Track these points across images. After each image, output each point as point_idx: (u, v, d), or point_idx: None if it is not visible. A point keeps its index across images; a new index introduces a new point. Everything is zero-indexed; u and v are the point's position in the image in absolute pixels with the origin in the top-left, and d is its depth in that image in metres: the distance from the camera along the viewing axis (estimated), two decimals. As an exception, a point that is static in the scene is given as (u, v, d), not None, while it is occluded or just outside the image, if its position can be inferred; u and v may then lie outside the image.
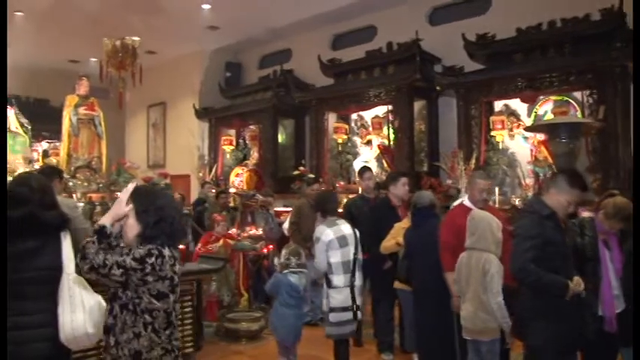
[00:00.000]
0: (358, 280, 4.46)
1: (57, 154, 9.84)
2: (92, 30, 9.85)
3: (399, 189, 5.50)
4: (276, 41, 11.78)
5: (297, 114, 11.13)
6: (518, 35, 7.91)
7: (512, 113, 8.31)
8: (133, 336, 2.48)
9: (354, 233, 4.51)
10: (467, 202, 4.48)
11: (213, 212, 7.62)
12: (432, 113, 9.23)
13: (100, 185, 8.37)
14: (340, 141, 10.06)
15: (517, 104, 8.23)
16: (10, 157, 8.71)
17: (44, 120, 10.62)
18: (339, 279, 4.34)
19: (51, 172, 4.06)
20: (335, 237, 4.36)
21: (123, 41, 9.26)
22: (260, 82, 11.76)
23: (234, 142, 11.93)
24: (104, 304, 2.76)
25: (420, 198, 4.69)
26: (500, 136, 8.13)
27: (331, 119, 10.26)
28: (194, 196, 11.06)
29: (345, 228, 4.48)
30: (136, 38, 9.45)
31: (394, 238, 4.96)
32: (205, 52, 12.45)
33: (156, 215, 2.57)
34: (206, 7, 9.94)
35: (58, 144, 10.88)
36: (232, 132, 12.11)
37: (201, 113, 12.22)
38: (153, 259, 2.47)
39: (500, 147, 8.15)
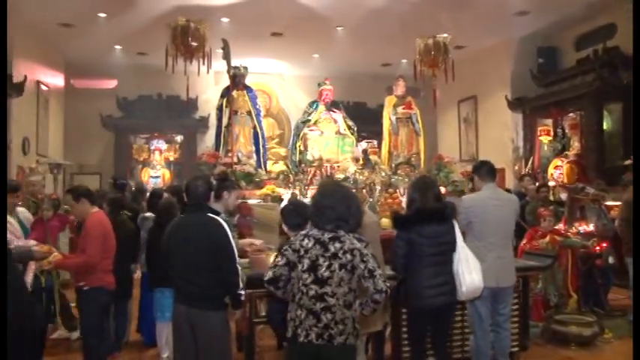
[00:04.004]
0: None
1: (375, 153, 10.49)
2: (403, 33, 10.23)
3: None
4: (596, 17, 10.63)
5: (626, 96, 9.83)
6: None
7: None
8: None
9: None
10: None
11: (534, 207, 7.21)
12: None
13: (420, 181, 8.70)
14: (685, 123, 8.57)
15: None
16: (340, 156, 9.66)
17: (362, 121, 11.41)
18: None
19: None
20: None
21: (434, 40, 9.44)
22: (578, 65, 10.77)
23: (551, 133, 11.15)
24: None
25: None
26: None
27: (671, 98, 8.82)
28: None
29: None
30: (446, 35, 9.56)
31: None
32: (514, 40, 11.93)
33: None
34: (516, -9, 9.52)
35: (375, 143, 11.64)
36: (549, 121, 11.32)
37: (513, 104, 11.75)
38: None
39: None
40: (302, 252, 2.98)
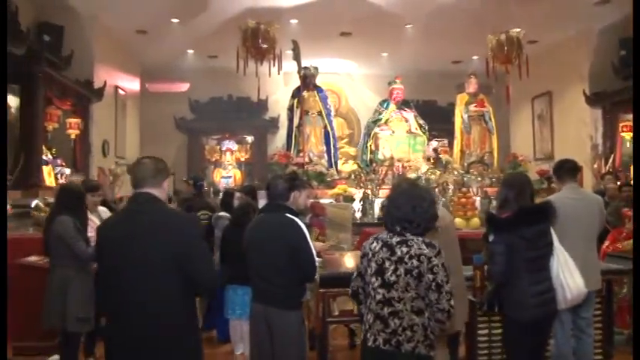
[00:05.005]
0: None
1: (445, 152, 10.33)
2: (473, 29, 10.00)
3: None
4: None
5: None
6: None
7: None
8: None
9: None
10: None
11: (617, 207, 6.88)
12: None
13: (493, 180, 8.49)
14: None
15: None
16: (411, 155, 9.57)
17: (432, 120, 11.25)
18: None
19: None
20: None
21: (507, 35, 9.19)
22: (666, 55, 10.18)
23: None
24: None
25: None
26: None
27: None
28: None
29: None
30: (519, 30, 9.27)
31: None
32: (593, 32, 11.38)
33: None
34: (596, -22, 9.09)
35: (445, 142, 11.45)
36: (632, 117, 10.79)
37: (592, 99, 11.23)
38: None
39: None
40: (370, 255, 2.93)
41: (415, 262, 2.78)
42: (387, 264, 2.83)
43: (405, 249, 2.82)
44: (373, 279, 2.87)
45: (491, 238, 3.61)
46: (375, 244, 2.94)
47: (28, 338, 5.17)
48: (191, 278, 2.66)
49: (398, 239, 2.86)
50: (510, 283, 3.54)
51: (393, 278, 2.81)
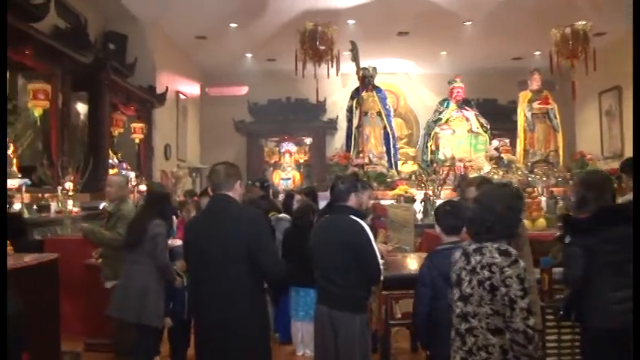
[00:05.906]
0: None
1: (507, 151, 10.06)
2: (535, 23, 9.70)
3: None
4: None
5: None
6: None
7: None
8: None
9: None
10: None
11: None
12: None
13: (559, 179, 8.22)
14: None
15: None
16: (473, 155, 9.38)
17: (493, 118, 11.02)
18: None
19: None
20: None
21: (572, 28, 8.87)
22: None
23: None
24: None
25: None
26: None
27: None
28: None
29: None
30: (585, 22, 8.92)
31: None
32: (665, 22, 10.86)
33: None
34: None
35: (506, 141, 11.16)
36: None
37: (665, 93, 10.72)
38: None
39: None
40: (453, 265, 2.75)
41: (487, 273, 2.53)
42: (463, 274, 2.64)
43: (478, 257, 2.58)
44: (454, 290, 2.70)
45: (567, 240, 3.29)
46: (457, 253, 2.76)
47: (99, 335, 5.32)
48: (259, 268, 3.03)
49: (474, 247, 2.64)
50: (590, 289, 3.20)
51: (468, 290, 2.60)
